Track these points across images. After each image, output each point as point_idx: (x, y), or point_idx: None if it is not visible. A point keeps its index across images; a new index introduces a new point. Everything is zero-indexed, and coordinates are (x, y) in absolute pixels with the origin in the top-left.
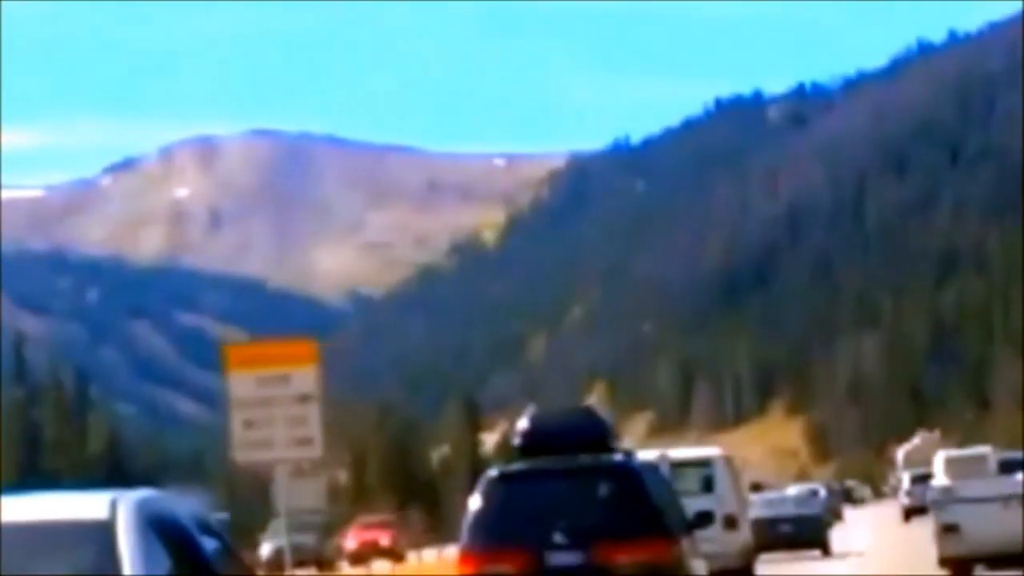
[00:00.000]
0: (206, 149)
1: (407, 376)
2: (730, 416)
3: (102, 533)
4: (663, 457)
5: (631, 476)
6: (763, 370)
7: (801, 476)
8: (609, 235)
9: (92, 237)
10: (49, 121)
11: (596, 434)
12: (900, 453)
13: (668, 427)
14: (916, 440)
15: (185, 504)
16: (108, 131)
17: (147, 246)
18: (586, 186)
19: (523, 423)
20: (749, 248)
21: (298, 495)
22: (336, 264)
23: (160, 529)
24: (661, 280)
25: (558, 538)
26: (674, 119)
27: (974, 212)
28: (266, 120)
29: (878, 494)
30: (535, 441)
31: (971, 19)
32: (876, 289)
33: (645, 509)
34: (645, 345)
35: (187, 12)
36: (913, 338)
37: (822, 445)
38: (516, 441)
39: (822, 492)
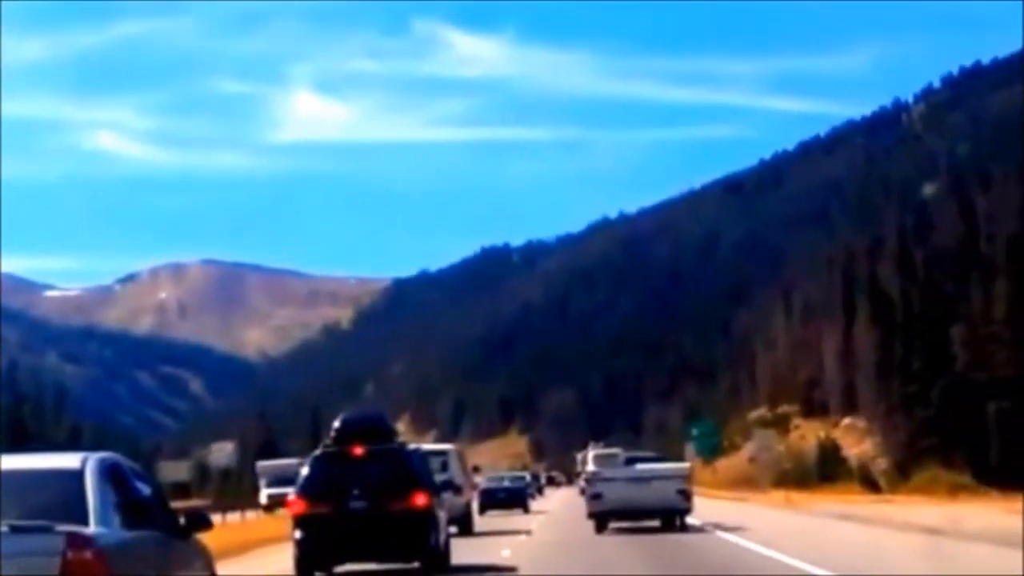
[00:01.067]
0: (178, 269)
1: (288, 403)
2: (484, 433)
3: (76, 477)
4: (418, 448)
5: (401, 456)
6: (504, 407)
7: (523, 469)
8: (417, 322)
9: (111, 319)
10: (88, 251)
11: (382, 430)
12: (584, 454)
13: (446, 439)
14: (590, 449)
15: (128, 464)
16: (118, 254)
17: (144, 326)
18: (404, 295)
19: (337, 422)
20: (492, 337)
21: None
22: (255, 338)
23: (112, 476)
24: (447, 352)
25: (355, 492)
26: (456, 258)
27: None
28: (215, 251)
29: (571, 481)
30: (345, 433)
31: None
32: (573, 359)
33: (410, 476)
34: (434, 387)
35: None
36: (591, 390)
37: (540, 452)
38: (332, 434)
39: (528, 477)
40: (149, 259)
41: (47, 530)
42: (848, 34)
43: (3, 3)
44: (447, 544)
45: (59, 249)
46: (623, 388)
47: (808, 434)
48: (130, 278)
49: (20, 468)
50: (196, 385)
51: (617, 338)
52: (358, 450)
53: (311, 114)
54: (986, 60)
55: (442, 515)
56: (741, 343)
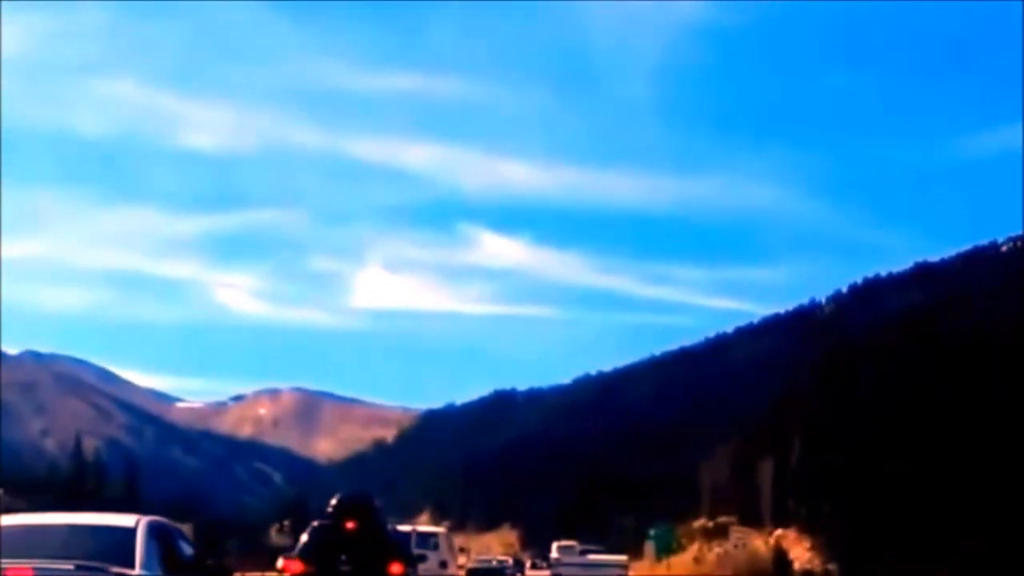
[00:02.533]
0: (275, 393)
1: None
2: (486, 526)
3: (130, 532)
4: (414, 530)
5: (383, 532)
6: (503, 506)
7: (513, 555)
8: (443, 441)
9: (224, 427)
10: (210, 375)
11: (369, 508)
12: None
13: (458, 528)
14: (562, 542)
15: (175, 528)
16: (232, 379)
17: (246, 433)
18: (434, 421)
19: (334, 499)
20: (497, 454)
21: None
22: (324, 447)
23: (158, 535)
24: (464, 461)
25: (342, 558)
26: (474, 396)
27: None
28: (303, 381)
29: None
30: (339, 509)
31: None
32: (558, 473)
33: (389, 548)
34: (451, 488)
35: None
36: (570, 498)
37: (527, 542)
38: (329, 509)
39: (510, 560)
40: (254, 384)
41: (102, 570)
42: (771, 250)
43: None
44: None
45: (189, 372)
46: (594, 497)
47: (747, 540)
48: (239, 397)
49: (90, 523)
50: (278, 478)
51: (590, 460)
52: (349, 524)
53: (379, 286)
54: (883, 273)
55: None
56: (686, 466)
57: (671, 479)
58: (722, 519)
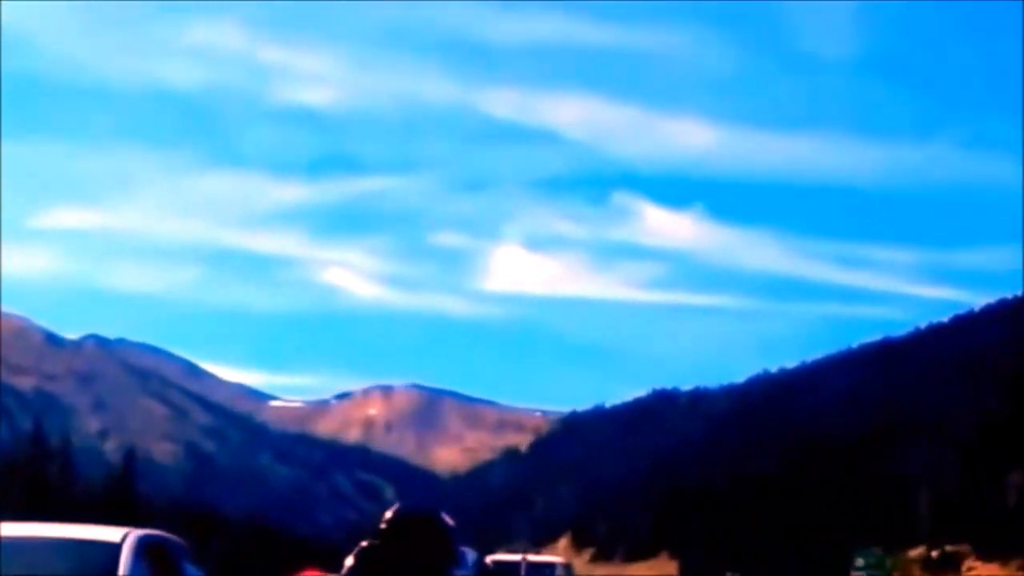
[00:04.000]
0: (387, 391)
1: (463, 512)
2: (637, 555)
3: (114, 549)
4: (524, 559)
5: (450, 557)
6: (657, 532)
7: None
8: (588, 453)
9: (326, 430)
10: (311, 370)
11: (438, 530)
12: None
13: (602, 558)
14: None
15: (176, 542)
16: (337, 374)
17: (353, 437)
18: (579, 426)
19: (389, 513)
20: (653, 468)
21: None
22: (445, 456)
23: (151, 553)
24: (611, 478)
25: None
26: (630, 396)
27: None
28: (421, 378)
29: None
30: (394, 528)
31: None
32: (729, 497)
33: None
34: (594, 510)
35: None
36: (742, 522)
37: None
38: (382, 525)
39: None
40: (363, 380)
41: None
42: (992, 230)
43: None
44: None
45: (287, 366)
46: (773, 519)
47: None
48: (345, 395)
49: (69, 536)
50: (389, 492)
51: (767, 474)
52: (403, 547)
53: (518, 267)
54: None
55: None
56: (892, 481)
57: (872, 496)
58: (949, 547)
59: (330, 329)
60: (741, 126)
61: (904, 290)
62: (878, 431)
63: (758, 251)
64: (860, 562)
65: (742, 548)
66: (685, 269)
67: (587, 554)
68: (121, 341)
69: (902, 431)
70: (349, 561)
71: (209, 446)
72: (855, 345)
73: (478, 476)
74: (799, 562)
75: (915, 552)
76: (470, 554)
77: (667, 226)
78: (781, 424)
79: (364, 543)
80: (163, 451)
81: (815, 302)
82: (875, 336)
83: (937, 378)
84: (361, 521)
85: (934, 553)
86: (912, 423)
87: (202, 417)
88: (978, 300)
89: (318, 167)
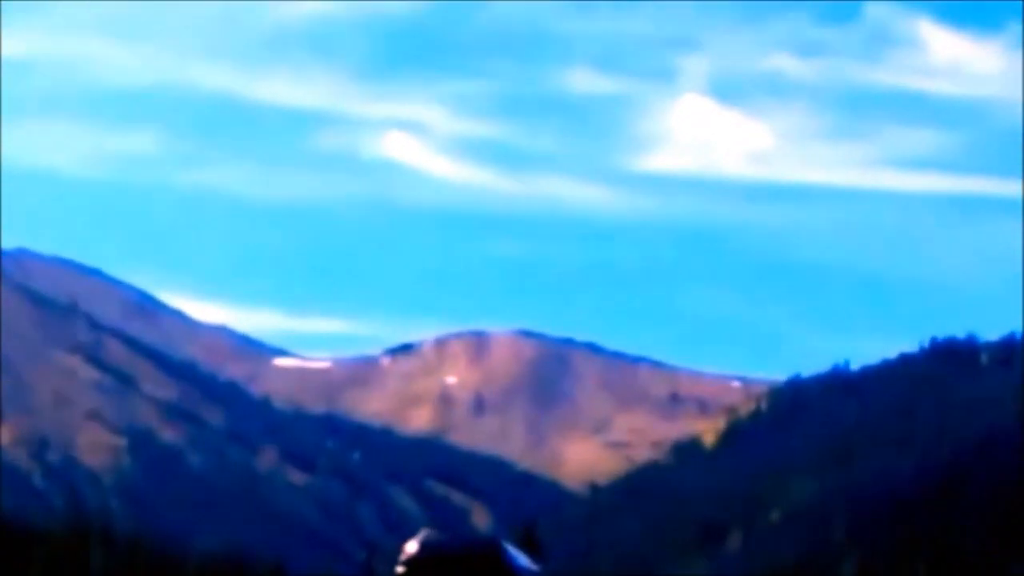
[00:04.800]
0: (477, 343)
1: (613, 554)
2: None
3: None
4: None
5: None
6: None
7: None
8: (816, 449)
9: (367, 408)
10: (342, 308)
11: (500, 568)
12: None
13: None
14: None
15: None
16: (393, 319)
17: (416, 422)
18: (801, 403)
19: (412, 546)
20: (935, 471)
21: None
22: (580, 456)
23: None
24: (856, 490)
25: None
26: (891, 353)
27: None
28: (533, 323)
29: None
30: (421, 570)
31: None
32: None
33: None
34: (831, 550)
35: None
36: None
37: None
38: (399, 569)
39: None
40: (437, 325)
41: None
42: None
43: None
44: None
45: (305, 301)
46: None
47: None
48: (405, 350)
49: None
50: (481, 517)
51: None
52: None
53: (701, 132)
54: None
55: None
56: None
57: None
58: None
59: (381, 235)
60: None
61: None
62: None
63: None
64: None
65: None
66: (987, 136)
67: None
68: (18, 254)
69: None
70: (411, 546)
71: (170, 435)
72: None
73: (634, 489)
74: None
75: None
76: None
77: (958, 61)
78: None
79: None
80: (92, 444)
81: None
82: None
83: None
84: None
85: None
86: None
87: (158, 385)
88: None
89: None
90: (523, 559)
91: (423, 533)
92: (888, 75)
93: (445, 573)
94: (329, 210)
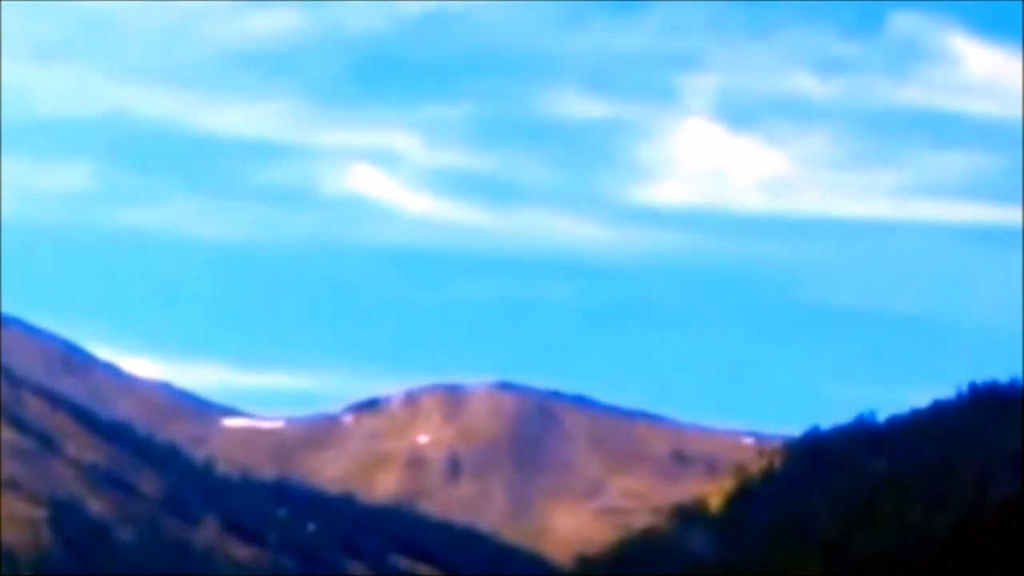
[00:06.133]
0: (452, 398)
1: None
2: None
3: None
4: None
5: None
6: None
7: None
8: (837, 508)
9: (326, 474)
10: (299, 360)
11: None
12: None
13: None
14: None
15: None
16: (355, 372)
17: (381, 488)
18: (821, 459)
19: None
20: (979, 529)
21: None
22: (570, 525)
23: None
24: (882, 554)
25: None
26: (923, 400)
27: None
28: (515, 374)
29: None
30: None
31: None
32: None
33: None
34: None
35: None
36: None
37: None
38: None
39: None
40: (407, 378)
41: None
42: None
43: None
44: None
45: (257, 354)
46: None
47: None
48: (370, 406)
49: None
50: None
51: None
52: None
53: (707, 161)
54: None
55: None
56: None
57: None
58: None
59: (343, 279)
60: None
61: None
62: None
63: None
64: None
65: None
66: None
67: None
68: None
69: None
70: None
71: (100, 507)
72: None
73: (630, 560)
74: None
75: None
76: None
77: (996, 77)
78: None
79: None
80: (9, 521)
81: None
82: None
83: None
84: None
85: None
86: None
87: (86, 448)
88: None
89: None
90: None
91: None
92: (918, 93)
93: None
94: (285, 251)
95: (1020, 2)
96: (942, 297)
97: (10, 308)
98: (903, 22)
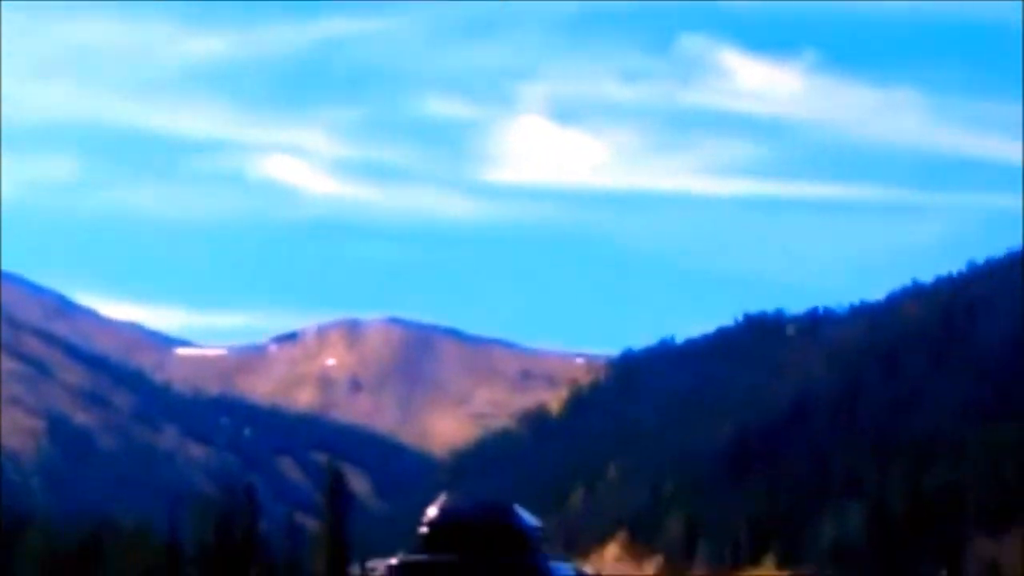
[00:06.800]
0: (352, 331)
1: None
2: (727, 565)
3: None
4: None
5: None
6: (759, 530)
7: None
8: (648, 412)
9: (258, 391)
10: (236, 304)
11: (512, 531)
12: None
13: (676, 570)
14: None
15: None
16: (278, 312)
17: (300, 401)
18: (635, 372)
19: (432, 510)
20: (758, 429)
21: None
22: (446, 428)
23: None
24: (684, 451)
25: None
26: (710, 327)
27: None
28: (401, 312)
29: None
30: (443, 532)
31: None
32: (863, 468)
33: None
34: (663, 501)
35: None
36: (890, 512)
37: None
38: (422, 530)
39: None
40: (317, 315)
41: None
42: None
43: None
44: None
45: (203, 299)
46: (937, 510)
47: None
48: (290, 338)
49: None
50: (359, 483)
51: (929, 441)
52: (458, 564)
53: (543, 148)
54: None
55: None
56: None
57: None
58: None
59: (268, 242)
60: None
61: None
62: None
63: (898, 119)
64: None
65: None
66: (789, 147)
67: (651, 564)
68: None
69: None
70: (432, 512)
71: (84, 418)
72: None
73: (490, 453)
74: None
75: None
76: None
77: (763, 84)
78: (951, 363)
79: (394, 560)
80: (15, 428)
81: (982, 190)
82: None
83: None
84: (321, 529)
85: None
86: None
87: (74, 375)
88: None
89: (249, 10)
90: (530, 518)
91: (442, 498)
92: (702, 96)
93: (462, 534)
94: (223, 221)
95: (780, 25)
96: (723, 248)
97: (12, 267)
98: (690, 42)
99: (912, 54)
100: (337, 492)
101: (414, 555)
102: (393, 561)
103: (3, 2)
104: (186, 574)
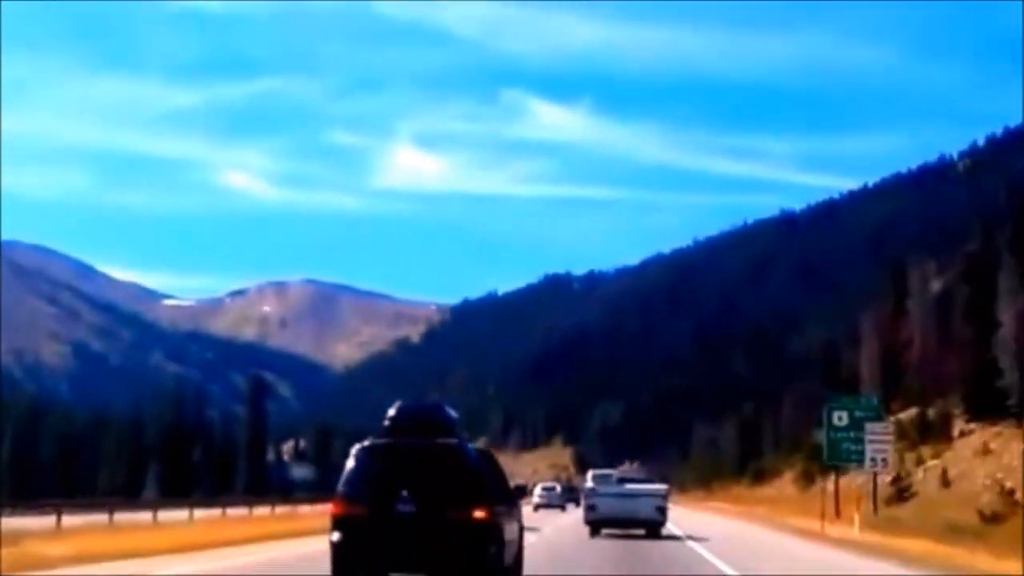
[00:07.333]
0: (280, 287)
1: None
2: (530, 444)
3: None
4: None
5: (462, 454)
6: (552, 419)
7: (567, 480)
8: (479, 340)
9: (218, 328)
10: (205, 269)
11: (443, 423)
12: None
13: (494, 447)
14: (624, 466)
15: None
16: (231, 275)
17: (247, 334)
18: (471, 314)
19: (392, 410)
20: (554, 352)
21: None
22: (344, 352)
23: None
24: (503, 365)
25: (404, 494)
26: (522, 283)
27: None
28: (313, 275)
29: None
30: (399, 424)
31: (687, 240)
32: (623, 377)
33: (471, 479)
34: (488, 399)
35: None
36: (641, 407)
37: (584, 464)
38: (385, 423)
39: (558, 486)
40: (257, 277)
41: None
42: (869, 117)
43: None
44: (519, 559)
45: (184, 266)
46: (672, 406)
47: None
48: (239, 293)
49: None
50: (285, 388)
51: (668, 360)
52: (410, 444)
53: (411, 165)
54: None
55: (512, 526)
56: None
57: (797, 366)
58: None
59: (225, 229)
60: (624, 20)
61: (789, 178)
62: (784, 312)
63: (644, 144)
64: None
65: (645, 439)
66: (575, 163)
67: (479, 443)
68: (11, 244)
69: (814, 302)
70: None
71: (99, 346)
72: (751, 221)
73: (373, 368)
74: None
75: (905, 414)
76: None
77: (556, 121)
78: (679, 303)
79: (364, 443)
80: (51, 352)
81: (705, 192)
82: (770, 212)
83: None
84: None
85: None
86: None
87: (92, 317)
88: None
89: (213, 69)
90: (454, 414)
91: (398, 403)
92: (517, 130)
93: (412, 424)
94: (197, 215)
95: (566, 80)
96: (532, 230)
97: (51, 243)
98: (508, 93)
99: (654, 96)
100: (258, 392)
101: (379, 439)
102: (366, 443)
103: None
104: (148, 443)
